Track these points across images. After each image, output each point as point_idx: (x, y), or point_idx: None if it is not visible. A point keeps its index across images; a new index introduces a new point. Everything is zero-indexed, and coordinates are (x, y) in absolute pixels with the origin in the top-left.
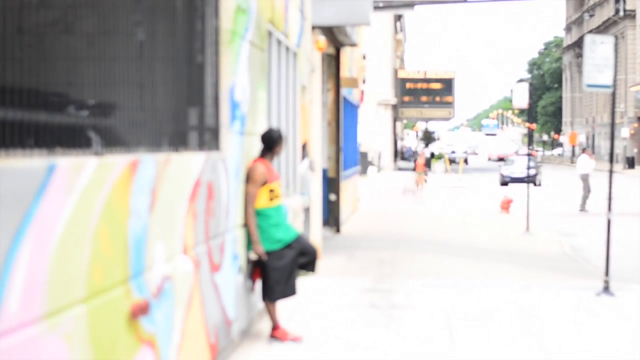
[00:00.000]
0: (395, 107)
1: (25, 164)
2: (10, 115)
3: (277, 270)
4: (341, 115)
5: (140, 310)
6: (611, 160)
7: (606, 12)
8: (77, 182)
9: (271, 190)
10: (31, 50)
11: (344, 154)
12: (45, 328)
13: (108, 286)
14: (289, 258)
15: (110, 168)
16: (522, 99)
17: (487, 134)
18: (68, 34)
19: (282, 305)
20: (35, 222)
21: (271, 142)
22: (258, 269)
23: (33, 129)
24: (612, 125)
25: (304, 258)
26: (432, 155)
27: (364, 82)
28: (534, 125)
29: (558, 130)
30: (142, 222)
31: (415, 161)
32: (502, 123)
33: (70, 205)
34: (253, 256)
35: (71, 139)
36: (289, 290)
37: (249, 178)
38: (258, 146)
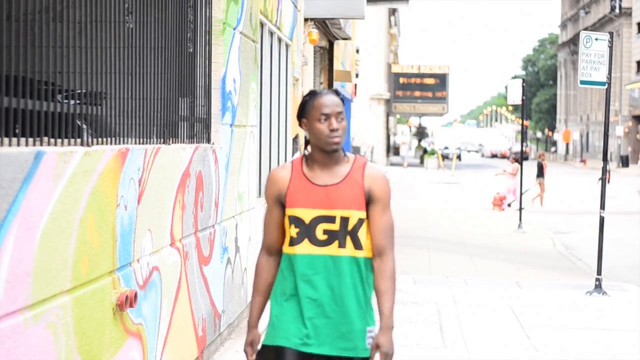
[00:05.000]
0: (388, 102)
1: (13, 151)
2: None
3: None
4: None
5: (127, 302)
6: (605, 159)
7: (602, 10)
8: (64, 170)
9: (292, 221)
10: (20, 38)
11: None
12: (29, 318)
13: (94, 277)
14: None
15: (99, 157)
16: (516, 95)
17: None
18: (57, 22)
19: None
20: (21, 211)
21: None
22: None
23: (20, 117)
24: (606, 123)
25: None
26: (425, 151)
27: (357, 76)
28: (527, 122)
29: (552, 128)
30: (130, 212)
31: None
32: (496, 120)
33: (57, 194)
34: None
35: (59, 128)
36: None
37: None
38: (249, 138)
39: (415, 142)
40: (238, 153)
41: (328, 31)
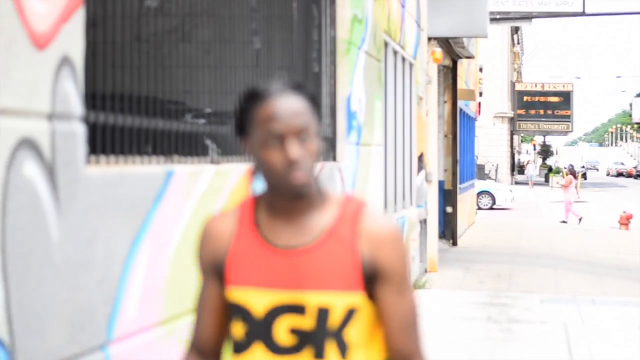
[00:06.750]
0: (512, 120)
1: (144, 170)
2: (129, 122)
3: None
4: (458, 128)
5: None
6: None
7: None
8: (194, 189)
9: (236, 311)
10: (149, 58)
11: (460, 166)
12: (162, 334)
13: None
14: None
15: (227, 176)
16: None
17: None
18: (185, 42)
19: None
20: (153, 228)
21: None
22: None
23: (151, 136)
24: None
25: None
26: (550, 169)
27: (480, 94)
28: None
29: None
30: None
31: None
32: (621, 138)
33: (188, 212)
34: None
35: (188, 146)
36: None
37: None
38: (375, 156)
39: (539, 160)
40: (364, 171)
41: (451, 50)
